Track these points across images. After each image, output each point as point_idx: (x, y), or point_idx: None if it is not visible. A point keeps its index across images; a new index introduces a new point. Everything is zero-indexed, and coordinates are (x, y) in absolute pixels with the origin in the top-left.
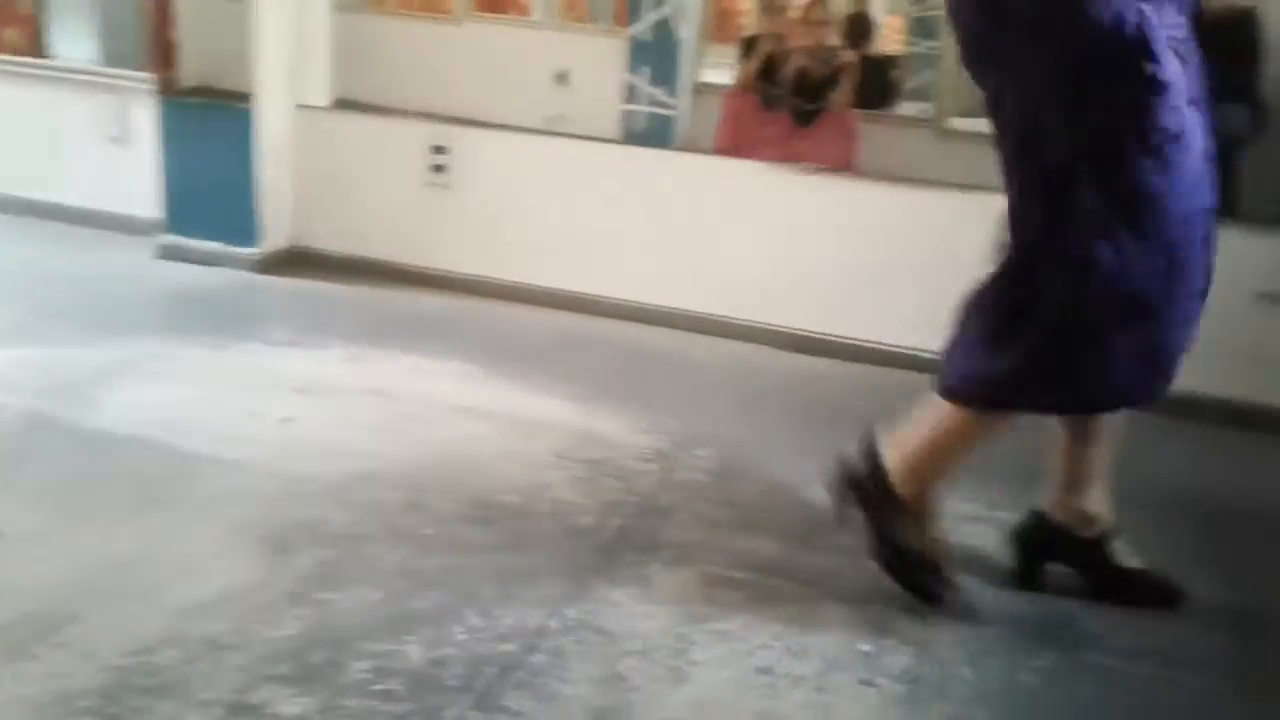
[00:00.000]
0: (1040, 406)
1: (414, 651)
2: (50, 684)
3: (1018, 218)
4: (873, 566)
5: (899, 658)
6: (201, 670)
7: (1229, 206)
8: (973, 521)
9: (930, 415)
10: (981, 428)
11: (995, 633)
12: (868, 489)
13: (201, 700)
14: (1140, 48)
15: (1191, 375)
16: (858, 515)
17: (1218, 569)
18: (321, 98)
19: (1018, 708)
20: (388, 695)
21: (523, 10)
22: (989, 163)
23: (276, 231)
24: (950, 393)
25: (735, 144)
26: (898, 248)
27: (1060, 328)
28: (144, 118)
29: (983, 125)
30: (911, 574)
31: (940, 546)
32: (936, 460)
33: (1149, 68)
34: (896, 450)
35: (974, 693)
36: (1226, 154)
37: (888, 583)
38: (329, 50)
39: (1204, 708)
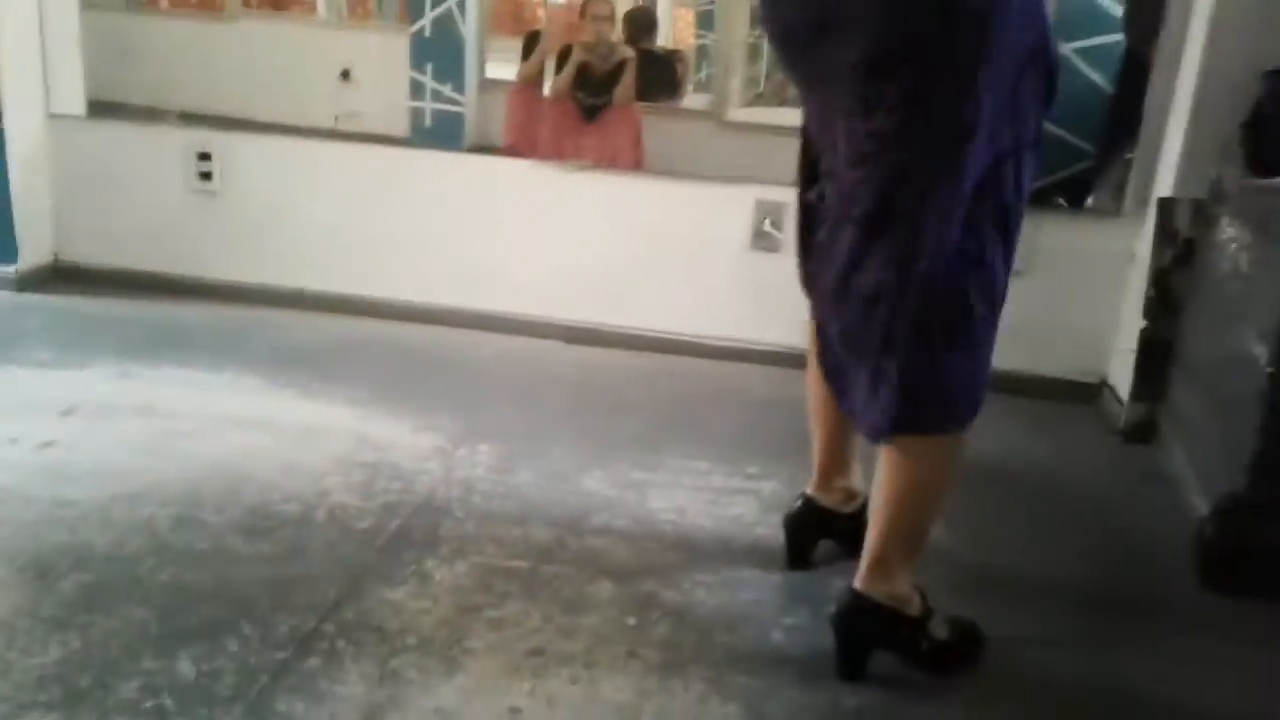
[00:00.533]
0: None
1: (184, 667)
2: None
3: (926, 225)
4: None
5: (661, 628)
6: None
7: None
8: (734, 493)
9: (902, 478)
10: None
11: (750, 597)
12: (890, 637)
13: None
14: (1048, 42)
15: None
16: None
17: (952, 520)
18: (76, 105)
19: (770, 666)
20: (158, 711)
21: (309, 7)
22: (762, 153)
23: (35, 246)
24: (955, 422)
25: (521, 140)
26: (668, 239)
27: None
28: None
29: (760, 117)
30: (961, 652)
31: (924, 602)
32: (929, 517)
33: (1050, 63)
34: (877, 572)
35: (729, 655)
36: None
37: (655, 558)
38: (79, 54)
39: None
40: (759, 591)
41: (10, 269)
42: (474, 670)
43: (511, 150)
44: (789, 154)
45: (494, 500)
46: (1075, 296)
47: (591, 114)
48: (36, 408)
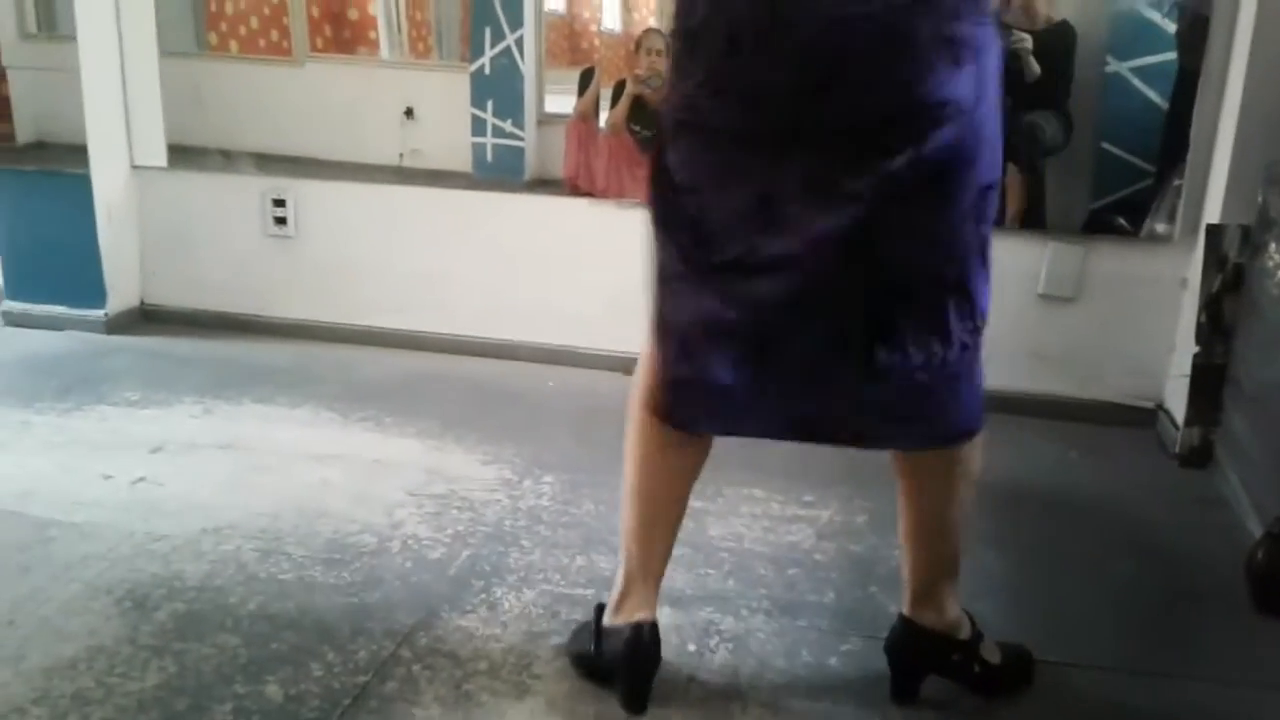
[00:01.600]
0: None
1: (273, 691)
2: None
3: (963, 242)
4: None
5: (721, 655)
6: None
7: (1037, 215)
8: (791, 521)
9: (944, 493)
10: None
11: (809, 623)
12: (942, 663)
13: None
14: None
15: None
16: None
17: (1005, 548)
18: (157, 157)
19: (826, 691)
20: None
21: (372, 48)
22: None
23: (122, 291)
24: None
25: (580, 173)
26: None
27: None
28: None
29: None
30: (1011, 675)
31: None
32: (967, 533)
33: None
34: (926, 600)
35: (787, 680)
36: (1036, 163)
37: (714, 585)
38: (159, 107)
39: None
40: (815, 617)
41: (100, 313)
42: (542, 694)
43: (571, 183)
44: None
45: (558, 530)
46: (1130, 322)
47: (647, 146)
48: (127, 445)
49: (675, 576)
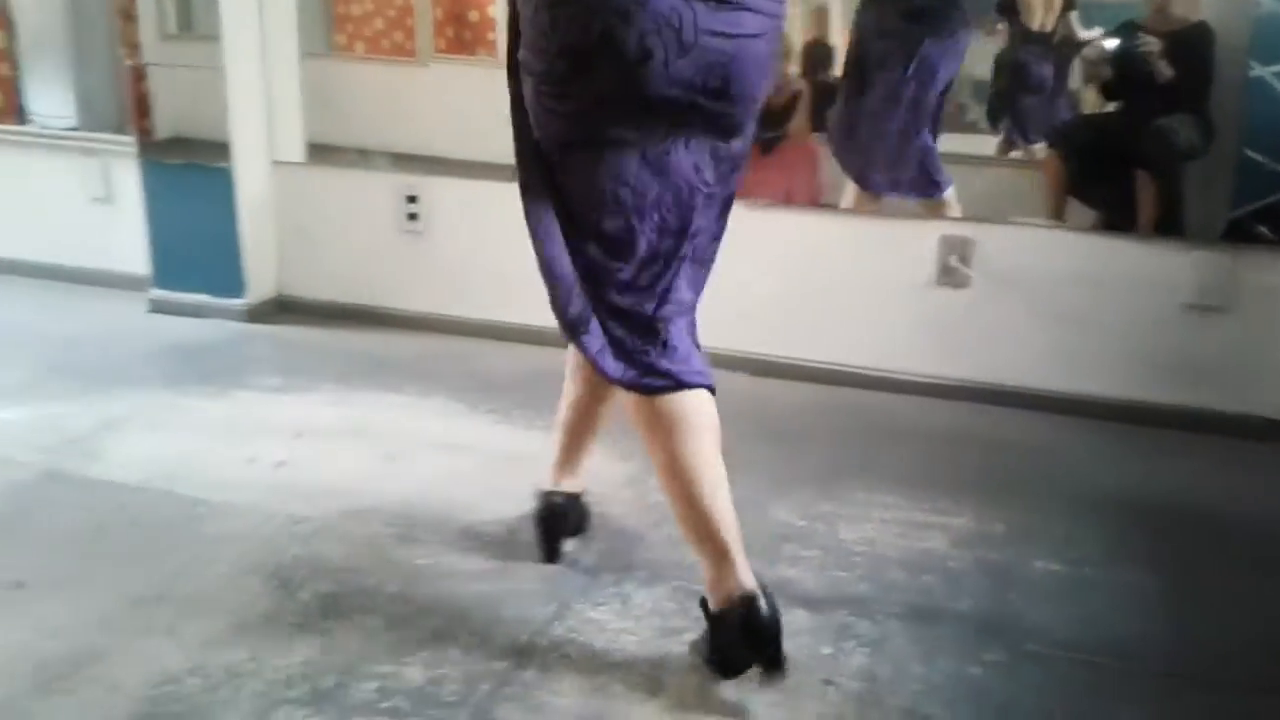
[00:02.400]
0: None
1: (414, 672)
2: (84, 716)
3: None
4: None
5: (857, 658)
6: (223, 697)
7: (1173, 222)
8: (924, 527)
9: None
10: None
11: (947, 630)
12: None
13: None
14: None
15: (1125, 382)
16: None
17: (1152, 564)
18: (296, 153)
19: (966, 698)
20: (394, 712)
21: (491, 49)
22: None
23: (261, 282)
24: None
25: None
26: (849, 274)
27: None
28: (127, 178)
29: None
30: None
31: None
32: None
33: None
34: None
35: (925, 687)
36: (1171, 168)
37: (848, 588)
38: (299, 104)
39: (1140, 692)
40: (954, 626)
41: (240, 303)
42: (675, 689)
43: None
44: (968, 183)
45: None
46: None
47: (766, 147)
48: (269, 430)
49: (807, 578)
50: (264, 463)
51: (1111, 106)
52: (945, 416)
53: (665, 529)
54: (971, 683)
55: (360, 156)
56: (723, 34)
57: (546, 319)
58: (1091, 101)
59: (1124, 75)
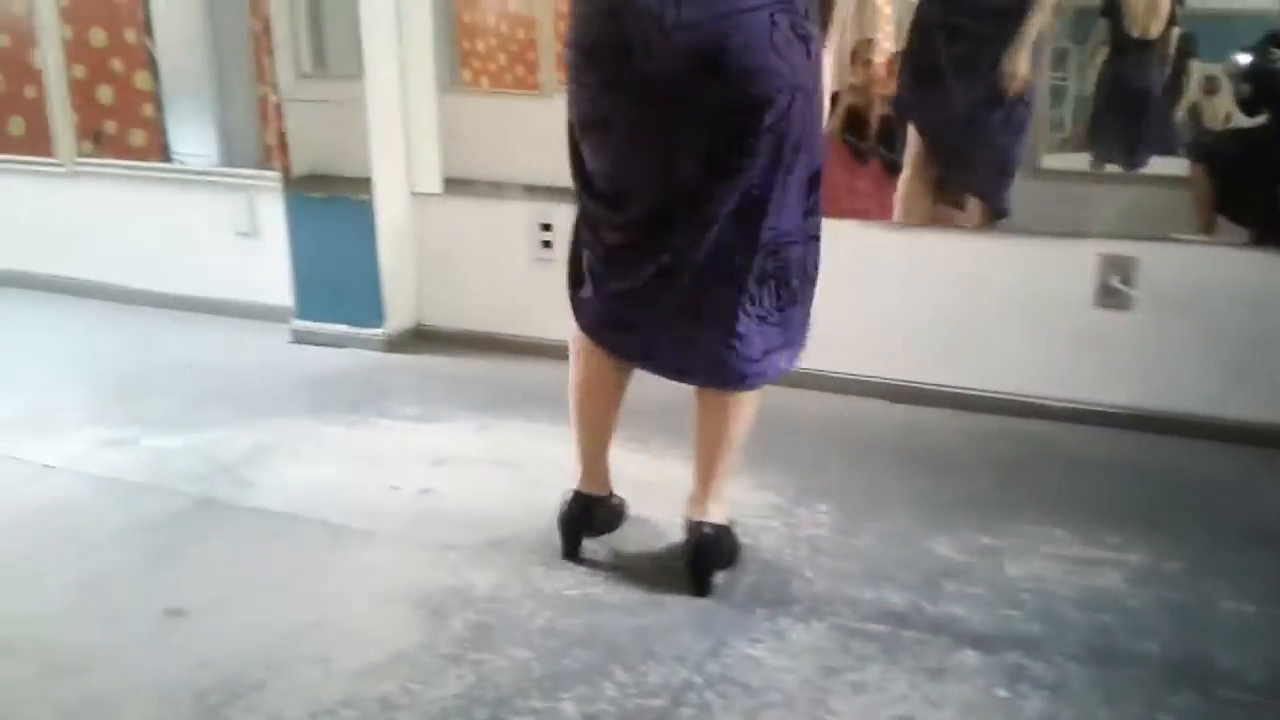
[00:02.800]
0: None
1: (569, 708)
2: None
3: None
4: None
5: (1035, 701)
6: None
7: None
8: (1097, 564)
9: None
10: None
11: (1130, 673)
12: None
13: None
14: None
15: None
16: None
17: None
18: (434, 183)
19: None
20: None
21: None
22: (1080, 200)
23: (400, 312)
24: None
25: (829, 197)
26: (996, 294)
27: None
28: (270, 211)
29: (1071, 163)
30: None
31: None
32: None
33: None
34: None
35: None
36: None
37: (1019, 627)
38: (436, 136)
39: None
40: (1139, 669)
41: (380, 332)
42: None
43: None
44: (1113, 201)
45: (841, 561)
46: None
47: (864, 158)
48: (411, 458)
49: (974, 617)
50: (408, 491)
51: (1255, 120)
52: (1107, 445)
53: (821, 561)
54: None
55: (492, 188)
56: (709, 14)
57: None
58: (1216, 115)
59: (1265, 89)
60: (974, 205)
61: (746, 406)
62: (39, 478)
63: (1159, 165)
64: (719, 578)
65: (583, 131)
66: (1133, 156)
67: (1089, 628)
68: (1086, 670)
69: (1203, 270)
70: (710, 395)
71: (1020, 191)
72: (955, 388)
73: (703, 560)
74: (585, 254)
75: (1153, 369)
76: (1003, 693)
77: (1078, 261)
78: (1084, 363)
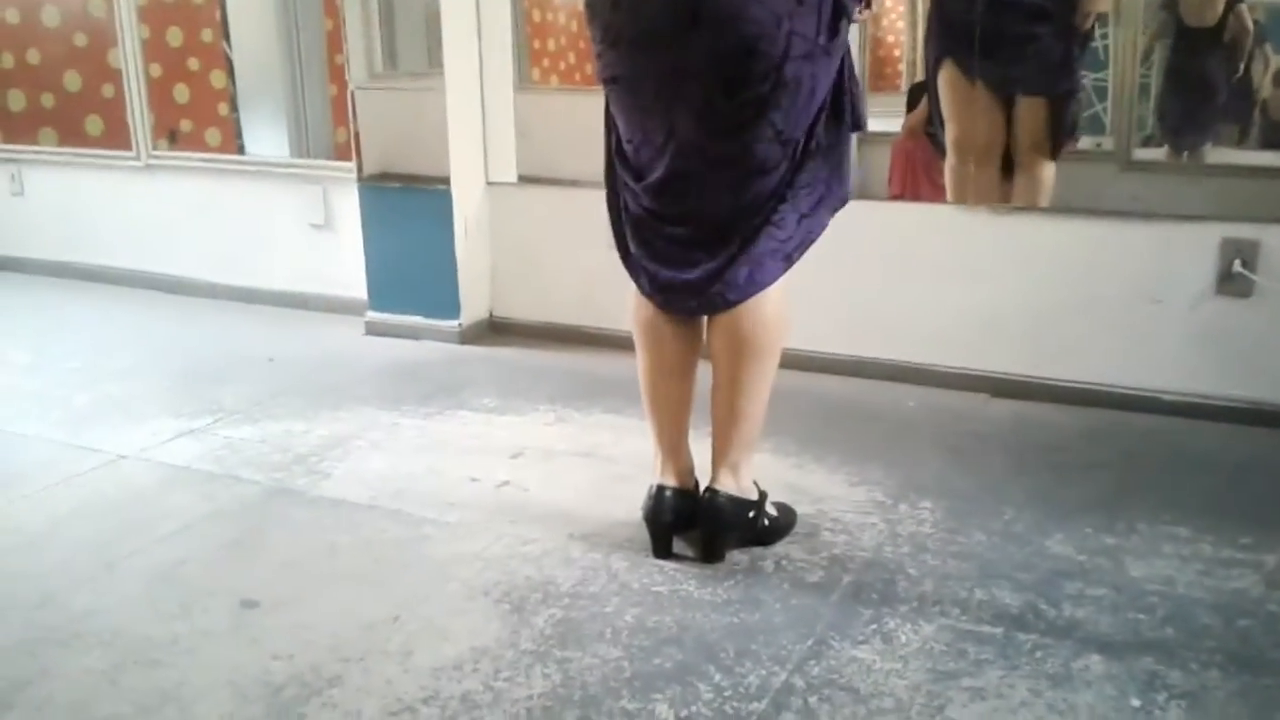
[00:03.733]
0: None
1: (662, 710)
2: None
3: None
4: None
5: (1173, 712)
6: None
7: None
8: (1230, 565)
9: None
10: None
11: (1275, 682)
12: None
13: None
14: None
15: None
16: None
17: None
18: (509, 174)
19: None
20: None
21: None
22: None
23: (475, 303)
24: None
25: (910, 191)
26: (1105, 283)
27: None
28: (343, 204)
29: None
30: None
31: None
32: None
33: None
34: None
35: None
36: None
37: (1149, 632)
38: (512, 129)
39: None
40: None
41: (454, 324)
42: None
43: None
44: (1207, 193)
45: (948, 560)
46: None
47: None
48: (489, 450)
49: (1100, 620)
50: (487, 483)
51: None
52: (1232, 441)
53: (926, 560)
54: None
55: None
56: None
57: None
58: None
59: None
60: (1030, 173)
61: (757, 366)
62: (113, 467)
63: (1257, 157)
64: (817, 575)
65: (605, 89)
66: (1200, 147)
67: (1227, 633)
68: (1228, 679)
69: None
70: (722, 355)
71: (1115, 184)
72: (1067, 381)
73: (705, 526)
74: (623, 217)
75: (1277, 359)
76: (1136, 701)
77: (1199, 245)
78: (1204, 353)
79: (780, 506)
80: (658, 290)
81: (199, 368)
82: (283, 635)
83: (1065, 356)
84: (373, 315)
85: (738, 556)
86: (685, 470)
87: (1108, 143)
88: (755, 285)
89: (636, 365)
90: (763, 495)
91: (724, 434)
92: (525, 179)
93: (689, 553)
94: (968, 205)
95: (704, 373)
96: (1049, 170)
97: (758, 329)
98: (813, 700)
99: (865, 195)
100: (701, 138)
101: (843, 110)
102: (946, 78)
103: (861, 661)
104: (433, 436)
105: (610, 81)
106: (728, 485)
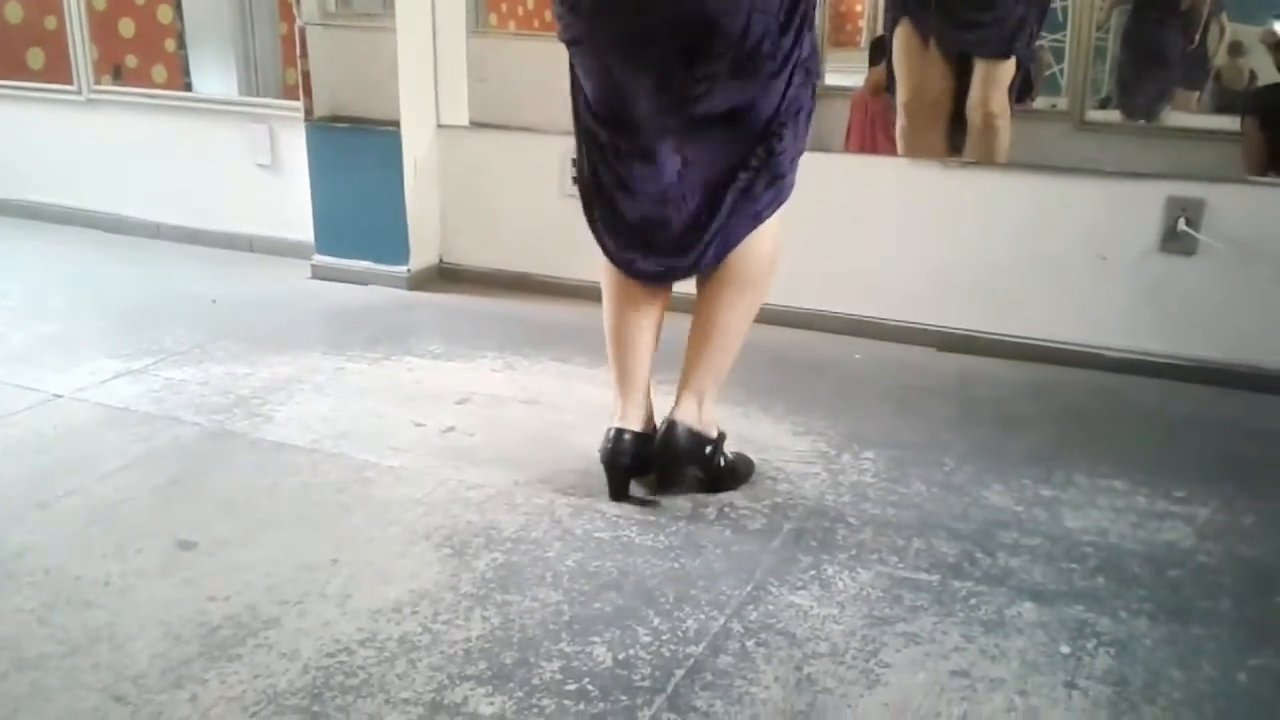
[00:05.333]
0: None
1: (600, 653)
2: (257, 684)
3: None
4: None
5: (1102, 659)
6: (398, 670)
7: None
8: (1162, 517)
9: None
10: None
11: (1204, 631)
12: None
13: (402, 699)
14: None
15: None
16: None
17: None
18: (460, 117)
19: (1237, 711)
20: (581, 695)
21: None
22: (1125, 153)
23: (424, 249)
24: None
25: (867, 146)
26: (1055, 239)
27: None
28: (292, 144)
29: (1115, 118)
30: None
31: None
32: None
33: None
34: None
35: (1187, 695)
36: None
37: (1081, 581)
38: (464, 71)
39: None
40: (1212, 626)
41: (403, 269)
42: (896, 686)
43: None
44: (1159, 155)
45: (888, 509)
46: None
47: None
48: (435, 395)
49: (1033, 569)
50: (431, 428)
51: None
52: (1172, 397)
53: (867, 509)
54: (1241, 691)
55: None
56: None
57: None
58: (1240, 76)
59: None
60: (985, 136)
61: (741, 296)
62: (49, 406)
63: (1206, 120)
64: (758, 522)
65: (569, 50)
66: (1155, 111)
67: (1157, 583)
68: (1156, 628)
69: (1275, 214)
70: (708, 282)
71: (1069, 144)
72: (1013, 336)
73: (660, 456)
74: (594, 179)
75: (1220, 318)
76: (1065, 648)
77: (1143, 205)
78: (1147, 310)
79: (739, 455)
80: (626, 265)
81: (140, 308)
82: (219, 576)
83: (1012, 311)
84: (319, 259)
85: (681, 503)
86: (645, 414)
87: (1063, 103)
88: (728, 247)
89: (602, 305)
90: (721, 435)
91: (695, 358)
92: (480, 124)
93: (641, 494)
94: (919, 158)
95: (671, 322)
96: (1004, 135)
97: (749, 262)
98: (749, 644)
99: (818, 147)
100: (660, 108)
101: (810, 73)
102: (902, 38)
103: (799, 607)
104: (378, 382)
105: (572, 43)
106: (688, 415)
